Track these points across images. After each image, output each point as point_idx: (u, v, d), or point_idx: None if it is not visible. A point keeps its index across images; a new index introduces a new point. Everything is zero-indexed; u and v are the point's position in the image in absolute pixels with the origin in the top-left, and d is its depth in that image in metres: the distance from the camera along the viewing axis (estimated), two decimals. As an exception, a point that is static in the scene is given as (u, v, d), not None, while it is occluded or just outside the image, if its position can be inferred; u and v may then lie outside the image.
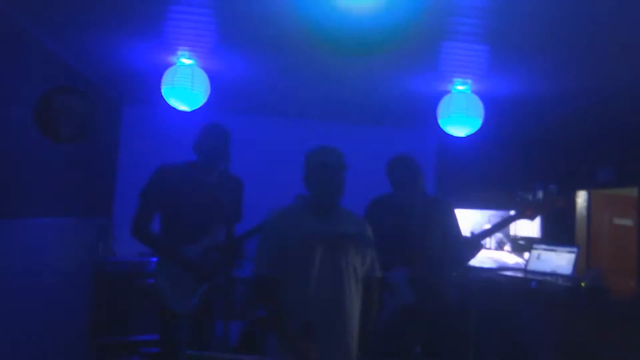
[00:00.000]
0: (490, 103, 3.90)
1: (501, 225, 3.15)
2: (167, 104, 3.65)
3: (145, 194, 2.71)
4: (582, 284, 3.62)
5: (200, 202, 2.70)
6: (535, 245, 4.29)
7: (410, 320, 2.79)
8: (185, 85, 3.48)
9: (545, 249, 4.29)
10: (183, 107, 3.65)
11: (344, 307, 2.14)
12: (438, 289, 2.83)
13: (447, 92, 3.86)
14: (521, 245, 4.82)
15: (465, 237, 2.99)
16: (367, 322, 2.25)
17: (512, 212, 3.12)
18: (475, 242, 2.99)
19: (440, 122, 3.90)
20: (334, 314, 2.12)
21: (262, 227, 2.36)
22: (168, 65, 3.57)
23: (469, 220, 4.92)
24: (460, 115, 3.76)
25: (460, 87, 3.80)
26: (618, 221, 5.12)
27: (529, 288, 3.97)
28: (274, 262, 2.17)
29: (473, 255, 3.02)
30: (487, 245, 4.92)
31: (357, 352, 2.18)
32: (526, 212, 2.89)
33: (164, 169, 2.75)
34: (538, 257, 4.33)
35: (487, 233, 3.15)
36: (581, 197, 5.19)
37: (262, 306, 2.46)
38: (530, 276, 4.16)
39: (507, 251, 4.93)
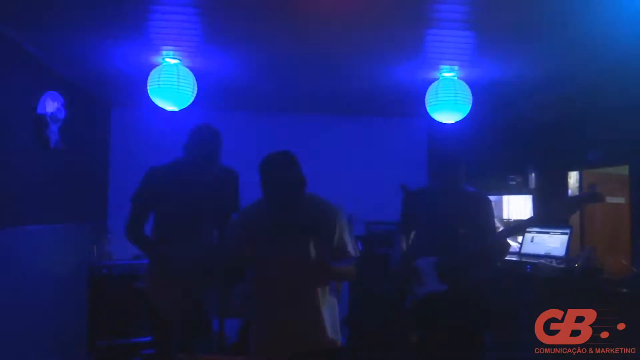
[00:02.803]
0: (478, 88, 3.90)
1: (528, 224, 3.26)
2: (156, 105, 3.63)
3: (136, 197, 2.70)
4: (576, 265, 3.65)
5: (191, 203, 2.67)
6: (528, 228, 4.30)
7: (436, 308, 2.84)
8: (171, 84, 3.46)
9: (539, 232, 4.31)
10: (170, 107, 3.64)
11: (305, 294, 2.29)
12: (465, 279, 2.86)
13: (434, 79, 3.86)
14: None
15: (497, 236, 2.98)
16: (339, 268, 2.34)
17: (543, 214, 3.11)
18: (501, 242, 2.98)
19: (428, 109, 3.90)
20: (297, 301, 2.28)
21: (231, 220, 2.47)
22: (153, 66, 3.55)
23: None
24: (449, 102, 3.76)
25: (447, 74, 3.80)
26: (610, 199, 5.14)
27: (524, 272, 3.99)
28: (240, 249, 2.35)
29: (502, 255, 3.04)
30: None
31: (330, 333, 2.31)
32: (563, 212, 2.85)
33: (153, 172, 2.72)
34: (532, 240, 4.35)
35: (512, 230, 3.23)
36: (573, 178, 5.21)
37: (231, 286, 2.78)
38: (524, 259, 4.19)
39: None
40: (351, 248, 2.37)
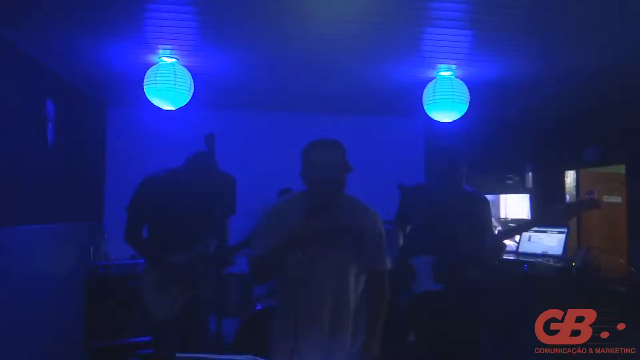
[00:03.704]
0: (476, 87, 3.90)
1: (525, 228, 3.30)
2: (152, 104, 3.61)
3: (131, 207, 2.79)
4: (573, 264, 3.66)
5: (186, 210, 2.73)
6: (525, 230, 4.31)
7: (432, 307, 2.85)
8: (168, 83, 3.44)
9: (536, 231, 4.32)
10: (167, 106, 3.61)
11: (337, 297, 2.15)
12: (461, 279, 2.86)
13: (432, 78, 3.85)
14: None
15: (494, 237, 2.98)
16: (375, 314, 2.22)
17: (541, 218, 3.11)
18: (498, 244, 2.97)
19: (426, 108, 3.89)
20: (328, 304, 2.14)
21: (260, 217, 2.32)
22: (150, 65, 3.53)
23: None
24: (446, 101, 3.76)
25: (444, 73, 3.79)
26: (607, 199, 5.16)
27: (521, 271, 3.99)
28: (268, 248, 2.15)
29: (498, 256, 3.04)
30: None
31: (359, 342, 2.17)
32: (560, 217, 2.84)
33: (148, 181, 2.80)
34: (529, 239, 4.36)
35: (509, 233, 3.23)
36: (570, 177, 5.22)
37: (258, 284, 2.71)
38: (521, 258, 4.19)
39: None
40: (387, 259, 2.24)
